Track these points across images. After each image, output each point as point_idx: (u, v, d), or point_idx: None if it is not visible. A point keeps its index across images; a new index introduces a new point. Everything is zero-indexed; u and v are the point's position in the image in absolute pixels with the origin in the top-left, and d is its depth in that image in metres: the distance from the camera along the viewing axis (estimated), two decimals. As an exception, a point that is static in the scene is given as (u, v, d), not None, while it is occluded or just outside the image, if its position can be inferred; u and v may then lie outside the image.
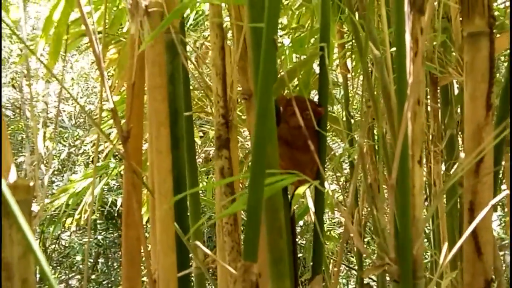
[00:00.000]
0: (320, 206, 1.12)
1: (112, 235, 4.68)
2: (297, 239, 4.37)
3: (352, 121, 2.30)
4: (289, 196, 1.18)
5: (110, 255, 4.94)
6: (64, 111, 5.33)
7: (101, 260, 4.94)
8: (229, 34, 1.62)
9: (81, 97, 5.52)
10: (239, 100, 1.38)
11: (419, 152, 0.70)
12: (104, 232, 4.71)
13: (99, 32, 1.79)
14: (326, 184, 2.71)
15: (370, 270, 0.76)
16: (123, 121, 1.06)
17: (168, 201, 0.90)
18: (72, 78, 5.63)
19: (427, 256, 2.47)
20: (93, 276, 4.91)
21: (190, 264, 1.25)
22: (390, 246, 0.70)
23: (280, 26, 2.49)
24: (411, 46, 0.67)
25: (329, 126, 2.59)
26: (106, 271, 4.83)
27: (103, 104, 1.00)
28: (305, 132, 0.88)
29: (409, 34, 0.68)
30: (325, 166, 1.23)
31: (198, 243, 0.84)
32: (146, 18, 0.90)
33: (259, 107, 0.66)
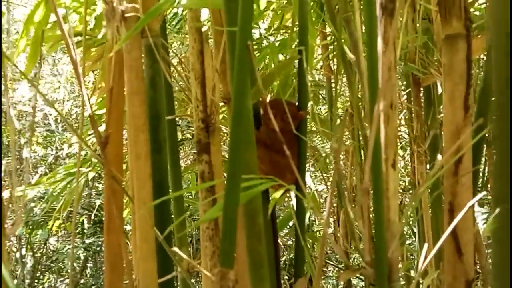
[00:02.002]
0: (301, 209, 1.12)
1: (100, 239, 4.65)
2: (285, 240, 4.37)
3: (338, 121, 2.30)
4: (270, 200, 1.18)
5: (98, 259, 4.91)
6: (50, 114, 5.28)
7: (89, 264, 4.91)
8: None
9: (67, 100, 5.48)
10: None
11: (393, 156, 0.71)
12: (92, 236, 4.68)
13: (80, 34, 1.78)
14: (312, 185, 2.71)
15: (346, 274, 0.76)
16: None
17: (146, 207, 0.90)
18: (58, 81, 5.59)
19: (414, 256, 2.48)
20: (82, 281, 4.88)
21: (175, 268, 1.24)
22: (366, 249, 0.71)
23: (265, 27, 2.50)
24: (383, 50, 0.68)
25: (315, 128, 2.60)
26: (95, 275, 4.80)
27: (85, 109, 0.99)
28: (281, 136, 0.88)
29: (381, 38, 0.68)
30: (305, 168, 1.23)
31: (176, 249, 0.84)
32: (123, 24, 0.90)
33: (233, 114, 0.66)
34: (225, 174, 0.90)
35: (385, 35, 0.68)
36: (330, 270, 4.60)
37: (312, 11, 1.71)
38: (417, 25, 1.75)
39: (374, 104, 0.67)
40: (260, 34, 2.19)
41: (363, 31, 1.04)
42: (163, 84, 1.22)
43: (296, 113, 1.16)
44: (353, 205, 1.05)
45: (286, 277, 3.86)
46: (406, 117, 1.99)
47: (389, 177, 0.71)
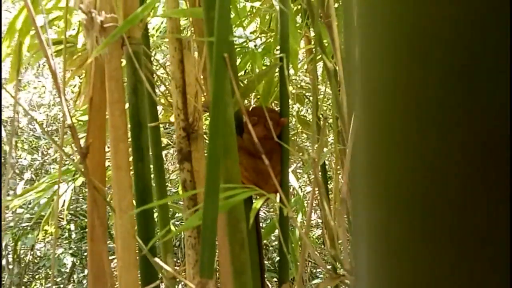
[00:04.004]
0: (285, 216, 1.13)
1: (87, 244, 4.61)
2: (274, 243, 4.37)
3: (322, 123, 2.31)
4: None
5: (86, 265, 4.86)
6: (35, 119, 5.20)
7: (77, 270, 4.86)
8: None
9: (53, 105, 5.43)
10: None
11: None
12: (79, 242, 4.63)
13: (62, 42, 1.76)
14: (297, 186, 2.71)
15: (326, 282, 0.76)
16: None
17: (128, 217, 0.90)
18: (43, 86, 5.53)
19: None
20: (69, 287, 4.83)
21: (160, 275, 1.24)
22: (346, 257, 0.71)
23: (251, 30, 2.50)
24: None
25: (300, 129, 2.60)
26: (82, 280, 4.76)
27: (65, 119, 0.98)
28: (264, 143, 0.88)
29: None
30: (288, 174, 1.23)
31: (157, 259, 0.84)
32: (102, 34, 0.90)
33: (211, 125, 0.67)
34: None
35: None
36: (318, 271, 4.61)
37: (297, 16, 1.72)
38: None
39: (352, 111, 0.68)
40: (247, 37, 2.19)
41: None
42: (145, 91, 1.22)
43: (278, 119, 1.16)
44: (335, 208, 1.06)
45: (274, 280, 3.86)
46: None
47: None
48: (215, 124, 0.66)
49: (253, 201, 1.19)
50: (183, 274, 1.53)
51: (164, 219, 1.48)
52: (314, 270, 4.63)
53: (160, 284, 1.24)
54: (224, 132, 0.76)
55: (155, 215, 1.54)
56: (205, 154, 1.30)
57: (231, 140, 0.91)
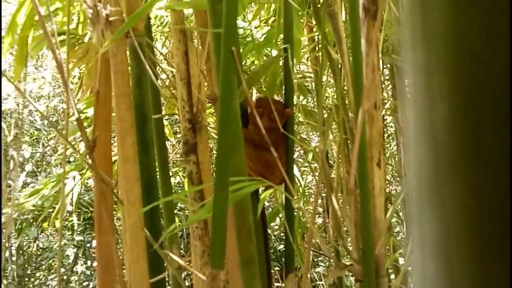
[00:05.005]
0: (291, 207, 1.14)
1: (90, 236, 4.63)
2: (277, 232, 4.39)
3: (324, 112, 2.31)
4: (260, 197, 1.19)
5: (89, 256, 4.89)
6: (36, 110, 5.20)
7: (80, 261, 4.89)
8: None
9: (53, 97, 5.41)
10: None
11: (378, 154, 0.72)
12: (82, 233, 4.65)
13: (64, 33, 1.76)
14: (300, 176, 2.71)
15: (334, 272, 0.78)
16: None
17: (136, 210, 0.91)
18: (43, 77, 5.51)
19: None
20: (74, 278, 4.86)
21: (166, 265, 1.25)
22: (354, 246, 0.72)
23: (254, 19, 2.49)
24: (366, 52, 0.69)
25: (302, 119, 2.61)
26: (87, 272, 4.78)
27: (69, 111, 0.99)
28: (269, 134, 0.88)
29: (365, 39, 0.69)
30: (293, 163, 1.24)
31: (167, 251, 0.85)
32: (108, 27, 0.90)
33: (220, 120, 0.67)
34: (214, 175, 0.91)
35: (368, 37, 0.69)
36: (320, 259, 4.64)
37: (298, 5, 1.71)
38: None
39: (359, 104, 0.68)
40: (250, 30, 2.18)
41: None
42: (149, 83, 1.22)
43: (283, 110, 1.17)
44: (340, 199, 1.07)
45: (277, 268, 3.89)
46: (392, 108, 2.01)
47: (374, 175, 0.72)
48: (224, 118, 0.66)
49: (259, 192, 1.19)
50: (188, 264, 1.55)
51: (169, 209, 1.49)
52: (316, 259, 4.65)
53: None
54: (233, 127, 0.76)
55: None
56: (209, 145, 1.30)
57: (238, 133, 0.92)
